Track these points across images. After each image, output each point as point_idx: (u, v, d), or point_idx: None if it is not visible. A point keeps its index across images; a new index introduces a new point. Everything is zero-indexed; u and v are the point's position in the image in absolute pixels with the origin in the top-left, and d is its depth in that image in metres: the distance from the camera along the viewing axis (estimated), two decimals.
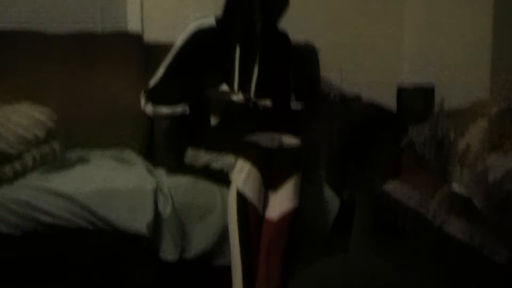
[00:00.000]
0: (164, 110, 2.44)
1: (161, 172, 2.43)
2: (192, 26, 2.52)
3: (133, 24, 3.19)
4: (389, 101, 3.00)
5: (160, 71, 2.50)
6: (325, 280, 1.55)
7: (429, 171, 2.02)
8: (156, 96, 2.46)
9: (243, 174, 2.15)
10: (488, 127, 1.74)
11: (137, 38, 3.05)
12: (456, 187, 1.71)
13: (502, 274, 1.45)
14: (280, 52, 2.64)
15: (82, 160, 2.45)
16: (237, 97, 2.38)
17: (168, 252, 2.19)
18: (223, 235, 2.20)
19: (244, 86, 2.47)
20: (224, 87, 2.42)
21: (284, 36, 2.70)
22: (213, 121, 2.46)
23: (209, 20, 2.54)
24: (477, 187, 1.60)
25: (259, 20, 2.44)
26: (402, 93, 3.07)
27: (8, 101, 2.44)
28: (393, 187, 2.05)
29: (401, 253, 1.89)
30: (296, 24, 2.78)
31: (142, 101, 2.48)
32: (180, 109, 2.41)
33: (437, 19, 3.25)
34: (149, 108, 2.47)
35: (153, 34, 3.12)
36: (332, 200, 2.38)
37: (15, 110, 2.37)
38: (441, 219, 1.73)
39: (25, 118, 2.33)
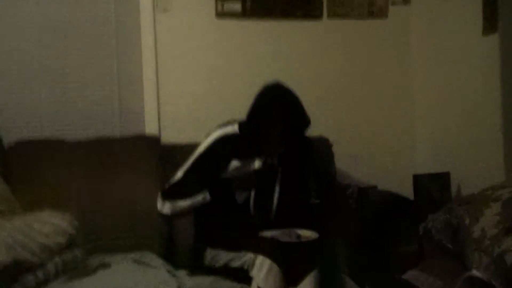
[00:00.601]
0: (183, 203, 2.46)
1: (182, 274, 2.43)
2: (215, 133, 2.54)
3: (150, 128, 3.30)
4: (406, 190, 3.02)
5: (178, 174, 2.52)
6: None
7: (447, 258, 2.01)
8: (174, 193, 2.48)
9: (263, 271, 2.16)
10: (502, 211, 1.75)
11: (154, 141, 3.15)
12: (475, 272, 1.71)
13: None
14: (302, 161, 2.63)
15: (104, 266, 2.46)
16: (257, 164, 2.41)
17: None
18: None
19: (263, 202, 2.50)
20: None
21: (307, 144, 2.66)
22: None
23: (233, 128, 2.54)
24: (496, 271, 1.60)
25: (281, 138, 2.46)
26: (418, 180, 3.09)
27: (30, 209, 2.49)
28: (414, 276, 2.04)
29: None
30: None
31: (159, 203, 2.51)
32: (201, 197, 2.43)
33: (448, 109, 3.32)
34: (167, 207, 2.48)
35: (169, 137, 3.22)
36: None
37: (36, 218, 2.41)
38: None
39: (46, 225, 2.37)
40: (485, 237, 1.72)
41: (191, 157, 2.54)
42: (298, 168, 2.59)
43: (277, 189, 2.51)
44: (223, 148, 2.50)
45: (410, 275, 2.07)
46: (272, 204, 2.51)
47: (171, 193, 2.49)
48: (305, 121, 2.51)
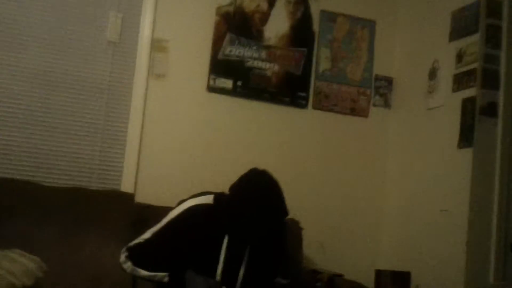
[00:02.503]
0: (143, 273, 2.43)
1: None
2: (189, 203, 2.54)
3: (126, 187, 3.34)
4: (368, 282, 3.09)
5: (146, 235, 2.49)
6: None
7: None
8: (137, 257, 2.44)
9: None
10: None
11: (129, 197, 3.18)
12: None
13: None
14: (273, 242, 2.58)
15: None
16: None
17: None
18: None
19: (228, 276, 2.45)
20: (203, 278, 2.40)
21: (281, 227, 2.63)
22: None
23: (208, 199, 2.53)
24: None
25: (258, 225, 2.43)
26: (380, 275, 3.17)
27: (0, 247, 2.47)
28: None
29: None
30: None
31: (122, 257, 2.46)
32: (159, 277, 2.41)
33: (416, 212, 3.45)
34: (127, 265, 2.44)
35: (144, 198, 3.24)
36: None
37: (6, 256, 2.37)
38: None
39: (16, 265, 2.33)
40: None
41: (162, 220, 2.53)
42: (268, 249, 2.54)
43: (242, 269, 2.48)
44: (194, 217, 2.49)
45: None
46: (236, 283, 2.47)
47: (133, 256, 2.46)
48: (284, 212, 2.54)
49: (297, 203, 3.30)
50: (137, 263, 2.45)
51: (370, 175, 3.76)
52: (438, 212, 3.20)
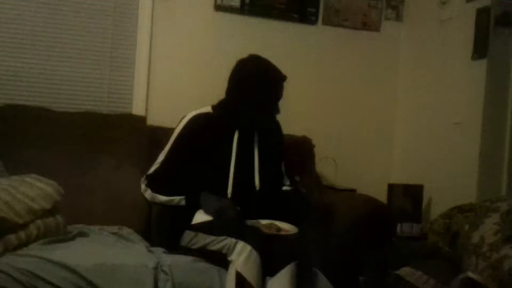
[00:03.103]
0: (162, 198, 2.52)
1: (159, 251, 2.47)
2: (189, 114, 2.63)
3: (137, 110, 3.34)
4: (380, 196, 3.12)
5: (160, 158, 2.59)
6: None
7: (442, 260, 2.09)
8: (155, 184, 2.53)
9: (243, 256, 2.20)
10: (501, 221, 1.84)
11: (140, 120, 3.19)
12: (471, 274, 1.78)
13: None
14: (275, 137, 2.76)
15: (83, 235, 2.49)
16: (230, 209, 2.42)
17: None
18: None
19: (243, 170, 2.57)
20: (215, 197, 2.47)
21: (277, 123, 2.79)
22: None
23: (206, 108, 2.66)
24: (492, 274, 1.67)
25: (260, 108, 2.57)
26: (392, 189, 3.20)
27: (16, 173, 2.51)
28: (408, 272, 2.11)
29: None
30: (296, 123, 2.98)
31: (142, 186, 2.57)
32: (176, 200, 2.49)
33: (429, 124, 3.43)
34: (148, 194, 2.55)
35: (155, 120, 3.25)
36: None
37: (23, 181, 2.42)
38: None
39: (33, 189, 2.38)
40: (483, 243, 1.80)
41: (170, 139, 2.61)
42: (273, 142, 2.70)
43: (256, 153, 2.60)
44: (197, 124, 2.58)
45: (404, 271, 2.14)
46: (254, 178, 2.58)
47: (152, 184, 2.55)
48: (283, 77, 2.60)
49: (308, 120, 3.35)
50: (155, 190, 2.53)
51: (382, 90, 3.73)
52: (451, 125, 3.19)
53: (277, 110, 2.63)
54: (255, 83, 2.55)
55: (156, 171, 2.57)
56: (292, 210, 2.59)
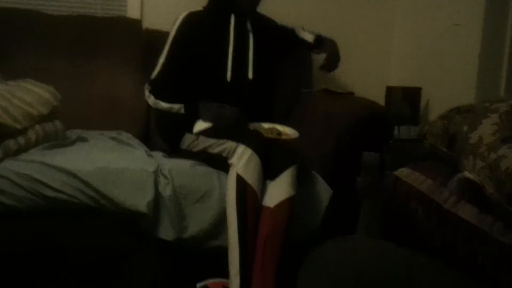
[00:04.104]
0: (164, 105, 2.51)
1: (158, 155, 2.49)
2: (182, 15, 2.62)
3: (132, 12, 3.25)
4: (378, 99, 3.11)
5: (160, 61, 2.57)
6: (336, 258, 1.62)
7: (441, 163, 2.11)
8: (157, 90, 2.52)
9: (244, 159, 2.22)
10: (499, 122, 1.83)
11: (136, 23, 3.13)
12: (468, 174, 1.80)
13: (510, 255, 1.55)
14: (268, 28, 2.80)
15: (83, 140, 2.50)
16: (229, 111, 2.43)
17: (166, 231, 2.24)
18: (221, 217, 2.26)
19: (240, 57, 2.61)
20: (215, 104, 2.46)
21: (270, 20, 2.86)
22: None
23: (198, 8, 2.67)
24: (489, 174, 1.69)
25: None
26: (391, 91, 3.19)
27: (12, 78, 2.47)
28: (405, 174, 2.13)
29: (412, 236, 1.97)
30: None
31: (146, 92, 2.55)
32: (176, 108, 2.48)
33: (425, 27, 3.38)
34: (151, 100, 2.54)
35: (151, 22, 3.17)
36: (324, 191, 2.47)
37: (20, 86, 2.40)
38: (452, 203, 1.83)
39: (30, 94, 2.36)
40: (481, 143, 1.79)
41: (167, 41, 2.60)
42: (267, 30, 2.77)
43: (251, 46, 2.64)
44: (191, 21, 2.60)
45: (401, 172, 2.16)
46: (248, 60, 2.62)
47: (154, 90, 2.54)
48: None
49: (304, 19, 3.26)
50: (157, 96, 2.52)
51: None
52: (451, 26, 3.13)
53: None
54: None
55: (157, 75, 2.56)
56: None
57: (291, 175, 2.26)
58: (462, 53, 3.04)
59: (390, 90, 3.21)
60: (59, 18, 2.99)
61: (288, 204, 2.24)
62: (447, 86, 3.15)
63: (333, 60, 2.80)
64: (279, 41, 2.86)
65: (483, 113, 1.97)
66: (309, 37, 2.87)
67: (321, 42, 2.84)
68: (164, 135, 2.68)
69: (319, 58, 2.92)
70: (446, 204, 1.87)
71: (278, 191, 2.24)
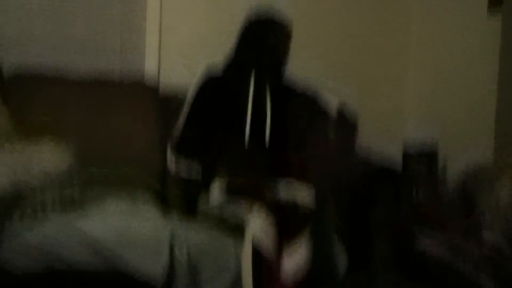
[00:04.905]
0: (183, 166, 2.56)
1: (175, 219, 2.47)
2: (201, 71, 2.68)
3: (150, 65, 3.31)
4: (394, 153, 3.11)
5: (181, 120, 2.64)
6: None
7: (458, 222, 2.09)
8: (178, 149, 2.59)
9: (258, 226, 2.21)
10: None
11: (153, 91, 3.15)
12: (487, 235, 1.78)
13: None
14: (288, 89, 2.81)
15: (99, 200, 2.49)
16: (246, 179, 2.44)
17: None
18: (237, 282, 2.23)
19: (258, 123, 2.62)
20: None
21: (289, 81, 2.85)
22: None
23: (217, 61, 2.72)
24: (508, 235, 1.67)
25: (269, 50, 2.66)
26: (407, 158, 3.19)
27: (31, 137, 2.50)
28: (428, 242, 2.11)
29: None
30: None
31: (168, 151, 2.61)
32: (196, 175, 2.52)
33: (442, 79, 3.38)
34: (172, 164, 2.60)
35: (169, 78, 3.23)
36: (342, 256, 2.43)
37: (38, 144, 2.42)
38: (472, 264, 1.80)
39: (47, 152, 2.39)
40: (499, 203, 1.79)
41: (186, 100, 2.67)
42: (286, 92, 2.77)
43: (268, 107, 2.65)
44: (210, 81, 2.66)
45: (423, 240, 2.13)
46: (266, 122, 2.63)
47: (176, 148, 2.61)
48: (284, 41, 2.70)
49: (318, 64, 3.28)
50: (178, 154, 2.60)
51: (393, 42, 3.65)
52: (466, 81, 3.13)
53: (287, 51, 2.72)
54: (261, 31, 2.67)
55: (178, 135, 2.62)
56: None
57: (307, 241, 2.24)
58: (478, 109, 3.04)
59: (406, 155, 3.20)
60: (80, 83, 3.03)
61: (305, 270, 2.22)
62: (465, 142, 3.14)
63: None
64: (298, 107, 2.85)
65: (498, 170, 1.97)
66: (332, 103, 2.86)
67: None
68: (184, 198, 2.68)
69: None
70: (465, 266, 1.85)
71: (294, 257, 2.22)
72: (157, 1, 3.30)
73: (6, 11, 3.11)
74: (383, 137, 3.37)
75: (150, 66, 3.31)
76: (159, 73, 3.29)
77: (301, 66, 2.92)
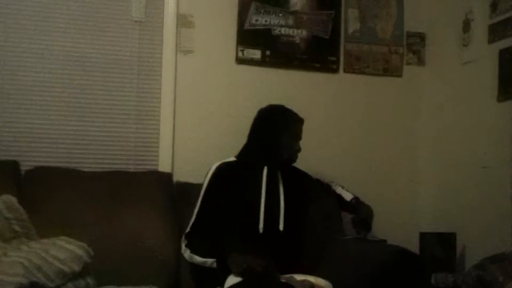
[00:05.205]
0: (198, 259, 2.54)
1: None
2: (214, 165, 2.73)
3: (164, 166, 3.36)
4: (412, 246, 3.06)
5: (195, 213, 2.65)
6: None
7: None
8: (193, 244, 2.57)
9: None
10: None
11: (166, 177, 3.21)
12: None
13: None
14: (300, 180, 2.85)
15: None
16: (257, 264, 2.39)
17: None
18: None
19: (271, 209, 2.63)
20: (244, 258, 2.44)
21: (302, 172, 2.91)
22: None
23: (230, 158, 2.77)
24: None
25: (282, 144, 2.72)
26: (424, 238, 3.13)
27: (46, 235, 2.51)
28: None
29: None
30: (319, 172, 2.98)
31: (182, 246, 2.61)
32: (209, 263, 2.49)
33: (456, 168, 3.39)
34: (187, 254, 2.58)
35: (182, 176, 3.26)
36: None
37: (53, 243, 2.42)
38: None
39: (62, 251, 2.38)
40: None
41: (200, 193, 2.69)
42: (298, 184, 2.80)
43: (281, 197, 2.67)
44: (223, 172, 2.69)
45: None
46: (279, 211, 2.63)
47: (190, 245, 2.59)
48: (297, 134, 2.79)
49: (332, 169, 3.32)
50: (193, 250, 2.57)
51: (405, 136, 3.71)
52: (479, 169, 3.14)
53: (298, 148, 2.77)
54: (275, 124, 2.74)
55: (192, 228, 2.62)
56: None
57: None
58: (494, 195, 3.02)
59: (423, 236, 3.16)
60: (94, 174, 3.10)
61: None
62: (483, 230, 3.09)
63: (366, 225, 2.79)
64: (310, 191, 2.88)
65: None
66: (346, 195, 2.89)
67: (358, 204, 2.85)
68: None
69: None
70: None
71: None
72: (171, 110, 3.40)
73: (26, 109, 3.21)
74: (399, 230, 3.37)
75: (163, 166, 3.36)
76: (172, 170, 3.34)
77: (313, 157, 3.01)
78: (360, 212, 2.80)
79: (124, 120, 3.36)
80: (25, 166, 3.04)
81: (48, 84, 3.26)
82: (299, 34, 3.58)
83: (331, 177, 3.08)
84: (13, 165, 3.00)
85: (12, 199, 2.59)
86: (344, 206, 2.93)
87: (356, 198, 2.87)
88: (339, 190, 2.94)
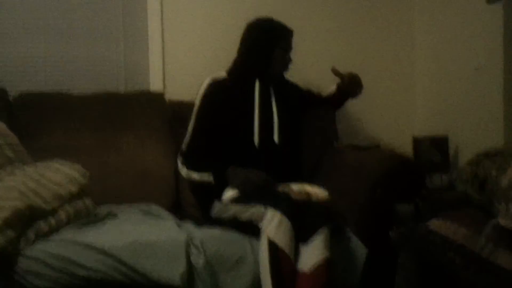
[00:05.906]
0: (196, 176, 2.54)
1: (188, 225, 2.48)
2: (206, 81, 2.68)
3: (155, 85, 3.33)
4: (405, 150, 3.08)
5: (189, 131, 2.63)
6: None
7: (473, 209, 2.06)
8: (189, 161, 2.57)
9: (274, 223, 2.19)
10: None
11: (159, 97, 3.19)
12: (503, 220, 1.76)
13: None
14: (291, 91, 2.84)
15: (113, 215, 2.51)
16: (255, 176, 2.43)
17: None
18: (256, 284, 2.22)
19: (265, 122, 2.63)
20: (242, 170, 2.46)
21: (292, 83, 2.90)
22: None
23: (221, 73, 2.72)
24: None
25: (273, 57, 2.67)
26: (417, 142, 3.15)
27: (41, 159, 2.52)
28: (438, 224, 2.09)
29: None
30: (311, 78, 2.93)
31: (179, 164, 2.60)
32: (206, 178, 2.50)
33: (449, 72, 3.36)
34: (184, 172, 2.58)
35: (174, 94, 3.24)
36: (359, 249, 2.41)
37: (48, 167, 2.44)
38: (489, 251, 1.78)
39: (58, 174, 2.40)
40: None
41: (193, 110, 2.65)
42: (290, 94, 2.79)
43: (274, 109, 2.67)
44: (215, 88, 2.65)
45: (434, 224, 2.11)
46: (273, 124, 2.64)
47: (186, 162, 2.58)
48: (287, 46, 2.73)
49: (326, 78, 3.28)
50: (190, 167, 2.56)
51: (398, 41, 3.63)
52: (471, 71, 3.11)
53: (289, 59, 2.74)
54: (266, 37, 2.67)
55: (188, 146, 2.60)
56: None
57: (324, 237, 2.23)
58: (486, 97, 3.01)
59: (416, 141, 3.17)
60: (86, 97, 3.07)
61: (324, 267, 2.19)
62: (475, 131, 3.11)
63: (355, 84, 2.79)
64: (302, 101, 2.87)
65: (511, 155, 1.94)
66: (332, 88, 2.87)
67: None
68: (199, 204, 2.68)
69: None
70: (483, 252, 1.83)
71: (312, 254, 2.20)
72: (158, 28, 3.33)
73: (11, 34, 3.17)
74: (392, 134, 3.39)
75: (154, 85, 3.33)
76: (164, 89, 3.31)
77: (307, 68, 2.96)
78: (344, 78, 2.78)
79: (111, 39, 3.30)
80: (12, 93, 3.01)
81: (31, 7, 3.18)
82: None
83: (323, 86, 3.05)
84: (0, 93, 2.97)
85: (1, 125, 2.58)
86: (332, 97, 2.91)
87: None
88: (326, 94, 2.93)
